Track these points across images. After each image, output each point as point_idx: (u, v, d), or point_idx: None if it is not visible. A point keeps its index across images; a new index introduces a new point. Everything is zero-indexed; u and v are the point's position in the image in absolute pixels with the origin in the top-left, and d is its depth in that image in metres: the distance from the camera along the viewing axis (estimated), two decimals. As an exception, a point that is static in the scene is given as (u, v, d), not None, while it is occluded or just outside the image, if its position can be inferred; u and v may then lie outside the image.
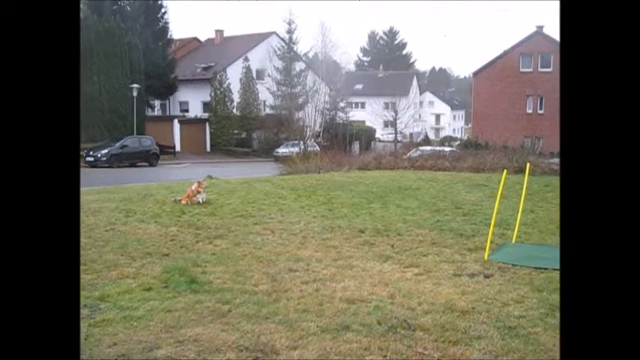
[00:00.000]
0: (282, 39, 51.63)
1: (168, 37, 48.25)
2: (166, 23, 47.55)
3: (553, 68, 42.93)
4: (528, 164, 11.48)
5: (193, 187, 12.69)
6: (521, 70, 47.73)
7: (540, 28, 48.49)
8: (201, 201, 12.50)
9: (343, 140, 43.20)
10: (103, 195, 13.44)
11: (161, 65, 45.45)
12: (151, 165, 34.55)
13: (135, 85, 37.11)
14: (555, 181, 17.78)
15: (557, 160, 25.87)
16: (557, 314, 5.65)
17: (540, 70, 46.59)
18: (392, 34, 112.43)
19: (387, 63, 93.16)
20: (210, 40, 60.14)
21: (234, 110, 48.13)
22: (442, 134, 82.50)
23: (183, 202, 12.47)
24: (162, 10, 47.10)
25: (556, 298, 6.19)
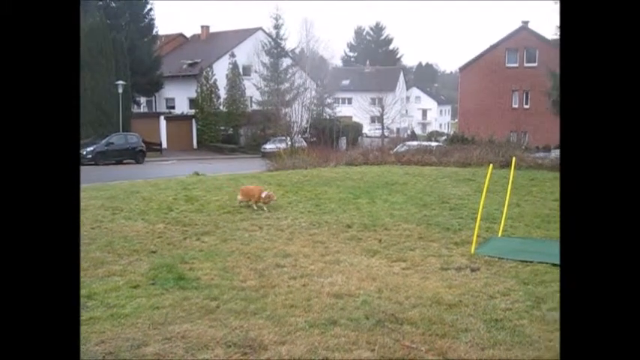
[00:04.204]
0: (269, 35, 51.49)
1: (154, 33, 47.93)
2: (152, 19, 47.22)
3: (538, 63, 43.11)
4: (514, 159, 11.56)
5: (263, 195, 11.70)
6: (507, 65, 47.99)
7: (526, 23, 48.74)
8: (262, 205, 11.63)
9: (330, 136, 43.11)
10: (88, 193, 13.35)
11: (147, 62, 45.15)
12: (138, 162, 34.35)
13: (120, 82, 36.87)
14: (540, 175, 17.93)
15: (542, 155, 26.05)
16: (543, 307, 5.71)
17: (526, 65, 46.85)
18: (378, 29, 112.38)
19: (374, 58, 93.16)
20: (196, 36, 59.79)
21: (221, 106, 47.92)
22: (429, 129, 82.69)
23: (240, 197, 11.91)
24: (148, 7, 46.77)
25: (542, 290, 6.26)
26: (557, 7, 31.25)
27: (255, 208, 11.52)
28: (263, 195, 11.63)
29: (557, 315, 5.41)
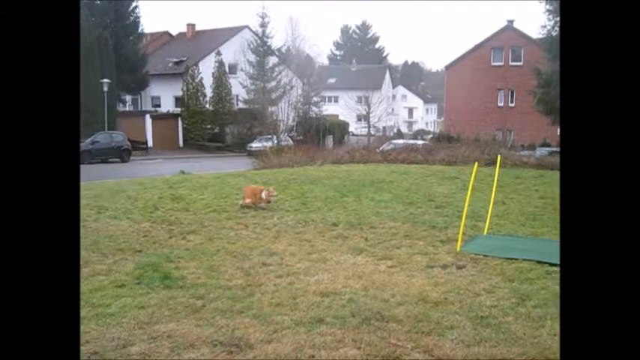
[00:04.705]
0: (255, 33, 51.36)
1: (139, 31, 47.73)
2: (137, 17, 47.01)
3: (524, 62, 43.39)
4: (499, 157, 11.60)
5: (264, 195, 11.64)
6: (493, 64, 48.31)
7: (511, 22, 49.03)
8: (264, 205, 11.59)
9: (316, 134, 43.18)
10: (74, 191, 13.23)
11: (132, 60, 44.95)
12: (123, 161, 34.19)
13: (105, 80, 36.67)
14: (526, 173, 18.05)
15: (527, 153, 26.23)
16: (528, 304, 5.75)
17: (511, 64, 47.19)
18: (365, 27, 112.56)
19: (360, 57, 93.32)
20: (181, 35, 59.53)
21: (207, 105, 47.71)
22: (415, 128, 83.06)
23: (248, 201, 11.66)
24: (133, 4, 46.55)
25: (527, 287, 6.30)
26: (542, 6, 31.48)
27: (264, 206, 11.48)
28: (263, 195, 11.55)
29: (541, 312, 5.47)
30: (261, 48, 50.51)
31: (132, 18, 46.56)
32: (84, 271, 6.75)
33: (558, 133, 39.74)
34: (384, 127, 60.94)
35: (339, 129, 51.55)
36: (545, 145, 35.54)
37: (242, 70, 49.15)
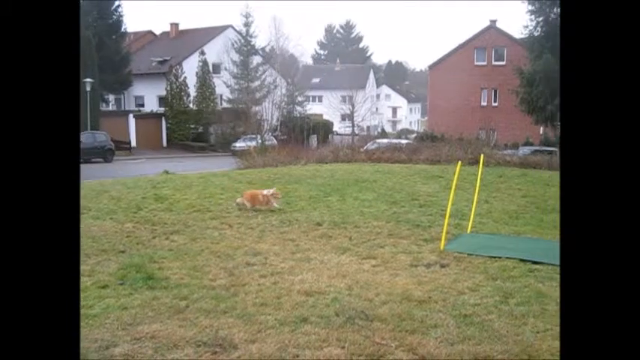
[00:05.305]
0: (239, 32, 51.25)
1: (122, 30, 47.44)
2: (120, 16, 46.76)
3: (506, 62, 43.68)
4: (482, 156, 11.67)
5: (266, 193, 11.33)
6: (476, 63, 48.58)
7: (494, 22, 49.32)
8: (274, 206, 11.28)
9: (301, 134, 43.12)
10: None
11: (115, 59, 44.67)
12: (106, 161, 34.02)
13: (88, 80, 36.38)
14: (509, 172, 18.15)
15: (510, 152, 26.37)
16: (511, 301, 5.79)
17: (494, 63, 47.48)
18: (348, 27, 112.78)
19: (344, 56, 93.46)
20: (165, 34, 59.26)
21: (191, 104, 47.57)
22: (399, 127, 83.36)
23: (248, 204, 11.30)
24: (116, 4, 46.28)
25: (509, 285, 6.34)
26: (524, 6, 31.70)
27: (277, 205, 11.30)
28: (266, 192, 11.32)
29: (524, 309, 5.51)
30: (245, 47, 50.41)
31: (115, 17, 46.30)
32: (66, 272, 6.69)
33: (541, 132, 40.10)
34: (368, 127, 61.05)
35: (323, 128, 51.53)
36: (527, 144, 35.81)
37: (226, 69, 49.06)
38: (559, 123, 37.11)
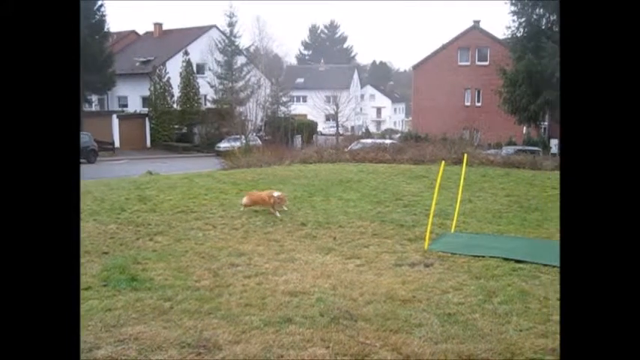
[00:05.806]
0: (223, 33, 51.07)
1: (105, 30, 47.03)
2: (103, 16, 46.21)
3: (490, 62, 43.97)
4: (466, 155, 11.72)
5: (270, 193, 10.96)
6: (460, 63, 48.87)
7: (477, 22, 49.62)
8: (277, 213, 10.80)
9: (285, 134, 43.17)
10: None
11: (98, 59, 44.18)
12: (89, 162, 33.75)
13: (71, 80, 36.06)
14: (492, 171, 18.25)
15: (493, 152, 26.52)
16: (494, 300, 5.83)
17: (478, 63, 47.78)
18: (333, 27, 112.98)
19: (328, 57, 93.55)
20: (148, 34, 58.92)
21: (175, 105, 47.41)
22: (383, 127, 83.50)
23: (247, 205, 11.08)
24: (99, 3, 45.83)
25: (493, 284, 6.38)
26: (507, 7, 31.93)
27: (282, 210, 10.93)
28: (275, 194, 10.91)
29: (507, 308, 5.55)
30: (229, 47, 50.27)
31: (97, 17, 45.78)
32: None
33: (524, 131, 40.40)
34: (352, 127, 61.14)
35: (307, 128, 51.57)
36: (511, 143, 36.06)
37: (210, 69, 48.94)
38: (542, 123, 37.52)
